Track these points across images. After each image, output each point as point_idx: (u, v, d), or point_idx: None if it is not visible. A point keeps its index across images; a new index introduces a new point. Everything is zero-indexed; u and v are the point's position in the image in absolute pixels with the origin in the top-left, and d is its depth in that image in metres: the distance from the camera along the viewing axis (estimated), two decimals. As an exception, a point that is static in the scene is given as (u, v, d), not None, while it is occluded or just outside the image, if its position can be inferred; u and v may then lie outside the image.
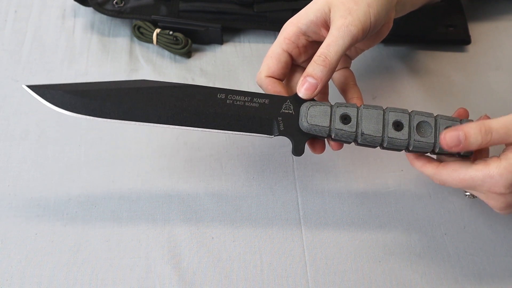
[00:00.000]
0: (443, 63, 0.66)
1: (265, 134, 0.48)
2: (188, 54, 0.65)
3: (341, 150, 0.50)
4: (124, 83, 0.48)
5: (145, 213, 0.53)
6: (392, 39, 0.66)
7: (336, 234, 0.53)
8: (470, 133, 0.43)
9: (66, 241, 0.51)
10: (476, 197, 0.50)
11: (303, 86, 0.47)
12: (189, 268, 0.50)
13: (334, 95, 0.54)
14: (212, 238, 0.52)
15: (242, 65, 0.65)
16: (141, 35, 0.65)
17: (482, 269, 0.51)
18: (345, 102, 0.50)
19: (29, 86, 0.47)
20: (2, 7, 0.69)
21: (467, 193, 0.52)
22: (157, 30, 0.64)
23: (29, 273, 0.50)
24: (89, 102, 0.46)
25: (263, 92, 0.49)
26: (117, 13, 0.66)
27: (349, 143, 0.48)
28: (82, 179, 0.55)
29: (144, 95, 0.47)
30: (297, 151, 0.48)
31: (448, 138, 0.44)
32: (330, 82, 0.53)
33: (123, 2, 0.67)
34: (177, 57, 0.66)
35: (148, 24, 0.65)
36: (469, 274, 0.51)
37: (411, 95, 0.63)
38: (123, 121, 0.47)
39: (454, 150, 0.44)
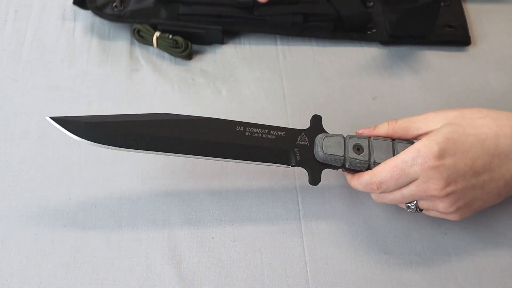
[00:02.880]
0: (443, 63, 0.66)
1: (283, 164, 0.50)
2: (189, 57, 0.65)
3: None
4: (145, 116, 0.49)
5: (145, 213, 0.53)
6: (391, 40, 0.66)
7: (336, 234, 0.53)
8: (379, 125, 0.51)
9: (66, 241, 0.51)
10: (421, 210, 0.49)
11: None
12: (189, 268, 0.50)
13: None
14: (212, 238, 0.52)
15: (242, 66, 0.65)
16: (141, 38, 0.65)
17: (482, 269, 0.51)
18: (355, 134, 0.52)
19: (52, 118, 0.48)
20: (2, 7, 0.69)
21: (411, 205, 0.49)
22: (157, 34, 0.64)
23: (29, 273, 0.50)
24: (112, 133, 0.47)
25: (279, 126, 0.51)
26: (116, 18, 0.65)
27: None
28: (82, 179, 0.55)
29: (166, 127, 0.49)
30: (314, 180, 0.49)
31: (361, 130, 0.52)
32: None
33: (122, 6, 0.66)
34: (178, 58, 0.66)
35: (148, 27, 0.65)
36: (469, 274, 0.51)
37: (411, 95, 0.63)
38: (145, 152, 0.48)
39: (366, 133, 0.51)
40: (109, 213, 0.53)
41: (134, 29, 0.65)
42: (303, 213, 0.54)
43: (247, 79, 0.64)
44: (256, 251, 0.52)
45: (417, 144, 0.46)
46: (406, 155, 0.46)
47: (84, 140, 0.47)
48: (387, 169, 0.47)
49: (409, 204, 0.49)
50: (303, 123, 0.60)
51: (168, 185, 0.55)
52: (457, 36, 0.67)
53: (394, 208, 0.55)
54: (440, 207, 0.47)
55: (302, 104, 0.62)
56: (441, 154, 0.45)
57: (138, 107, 0.61)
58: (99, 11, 0.66)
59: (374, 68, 0.65)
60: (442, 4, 0.69)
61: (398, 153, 0.49)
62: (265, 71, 0.65)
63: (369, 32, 0.67)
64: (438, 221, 0.54)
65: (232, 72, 0.65)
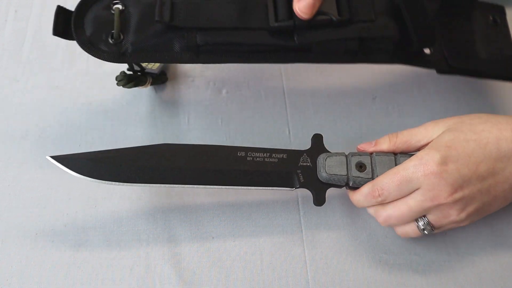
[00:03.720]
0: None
1: (286, 187, 0.50)
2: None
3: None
4: (146, 148, 0.49)
5: (145, 213, 0.53)
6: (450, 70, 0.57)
7: (336, 234, 0.53)
8: (380, 140, 0.51)
9: (66, 241, 0.52)
10: (434, 229, 0.48)
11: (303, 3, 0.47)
12: (189, 268, 0.50)
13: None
14: (212, 238, 0.52)
15: (242, 65, 0.65)
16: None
17: (482, 269, 0.51)
18: (356, 151, 0.52)
19: (53, 157, 0.48)
20: (2, 7, 0.69)
21: (421, 224, 0.48)
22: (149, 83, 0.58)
23: (29, 273, 0.50)
24: (114, 168, 0.48)
25: (280, 148, 0.51)
26: (116, 57, 0.49)
27: None
28: (82, 179, 0.55)
29: (167, 158, 0.49)
30: (319, 201, 0.49)
31: (362, 145, 0.52)
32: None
33: (121, 37, 0.49)
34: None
35: (142, 78, 0.56)
36: (469, 274, 0.51)
37: (412, 96, 0.63)
38: (150, 185, 0.48)
39: (369, 150, 0.51)
40: (109, 213, 0.53)
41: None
42: (303, 213, 0.54)
43: (247, 79, 0.64)
44: (256, 251, 0.52)
45: (419, 153, 0.46)
46: (407, 163, 0.46)
47: (87, 178, 0.47)
48: (387, 176, 0.47)
49: (419, 224, 0.48)
50: (303, 123, 0.60)
51: (168, 185, 0.55)
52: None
53: (394, 208, 0.55)
54: (452, 216, 0.46)
55: (302, 104, 0.62)
56: (443, 161, 0.45)
57: (138, 107, 0.61)
58: (91, 47, 0.49)
59: (375, 68, 0.65)
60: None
61: None
62: (265, 71, 0.65)
63: (428, 53, 0.56)
64: (438, 221, 0.54)
65: (232, 72, 0.65)
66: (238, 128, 0.60)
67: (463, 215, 0.46)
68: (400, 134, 0.50)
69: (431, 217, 0.47)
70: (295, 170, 0.50)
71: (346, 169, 0.49)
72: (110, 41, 0.49)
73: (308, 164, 0.50)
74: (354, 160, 0.49)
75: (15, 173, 0.56)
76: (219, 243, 0.52)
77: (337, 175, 0.49)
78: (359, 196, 0.49)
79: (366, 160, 0.49)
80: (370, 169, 0.49)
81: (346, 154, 0.50)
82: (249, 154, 0.50)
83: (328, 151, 0.51)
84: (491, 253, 0.52)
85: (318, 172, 0.50)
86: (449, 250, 0.52)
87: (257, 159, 0.50)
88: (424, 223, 0.48)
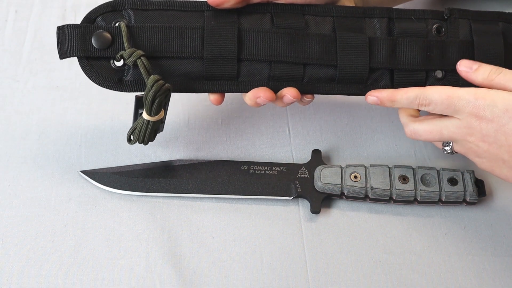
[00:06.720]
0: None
1: (284, 196, 0.53)
2: None
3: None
4: (162, 163, 0.55)
5: (145, 213, 0.53)
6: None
7: (336, 234, 0.53)
8: (483, 66, 0.48)
9: (66, 241, 0.52)
10: (456, 152, 0.50)
11: None
12: (189, 268, 0.50)
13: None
14: (212, 238, 0.52)
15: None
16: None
17: (482, 269, 0.51)
18: (352, 164, 0.54)
19: (82, 172, 0.55)
20: (2, 7, 0.69)
21: (447, 147, 0.50)
22: None
23: (29, 273, 0.50)
24: (133, 180, 0.54)
25: (281, 162, 0.56)
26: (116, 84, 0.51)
27: (362, 199, 0.53)
28: (82, 179, 0.55)
29: (180, 171, 0.54)
30: (315, 209, 0.53)
31: (464, 62, 0.49)
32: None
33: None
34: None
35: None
36: (469, 274, 0.51)
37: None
38: (165, 194, 0.53)
39: (463, 74, 0.48)
40: (109, 213, 0.53)
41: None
42: (303, 213, 0.54)
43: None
44: (256, 251, 0.52)
45: (483, 92, 0.45)
46: (463, 94, 0.45)
47: (112, 189, 0.54)
48: (440, 95, 0.46)
49: (445, 147, 0.50)
50: (303, 123, 0.60)
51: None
52: None
53: (394, 207, 0.55)
54: (471, 156, 0.48)
55: (302, 104, 0.62)
56: (490, 116, 0.44)
57: (138, 107, 0.61)
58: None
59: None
60: None
61: (394, 178, 0.52)
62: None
63: (439, 77, 0.52)
64: (438, 221, 0.54)
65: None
66: (238, 128, 0.60)
67: (480, 163, 0.48)
68: (505, 73, 0.47)
69: (456, 147, 0.49)
70: (293, 181, 0.54)
71: (340, 179, 0.52)
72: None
73: (306, 176, 0.54)
74: (349, 171, 0.53)
75: (15, 173, 0.56)
76: (219, 243, 0.52)
77: (332, 184, 0.52)
78: (403, 98, 0.48)
79: (360, 171, 0.53)
80: (364, 179, 0.52)
81: (342, 166, 0.53)
82: (251, 167, 0.54)
83: (326, 164, 0.54)
84: (491, 253, 0.52)
85: (315, 183, 0.53)
86: (449, 250, 0.52)
87: (259, 172, 0.54)
88: (450, 148, 0.50)
